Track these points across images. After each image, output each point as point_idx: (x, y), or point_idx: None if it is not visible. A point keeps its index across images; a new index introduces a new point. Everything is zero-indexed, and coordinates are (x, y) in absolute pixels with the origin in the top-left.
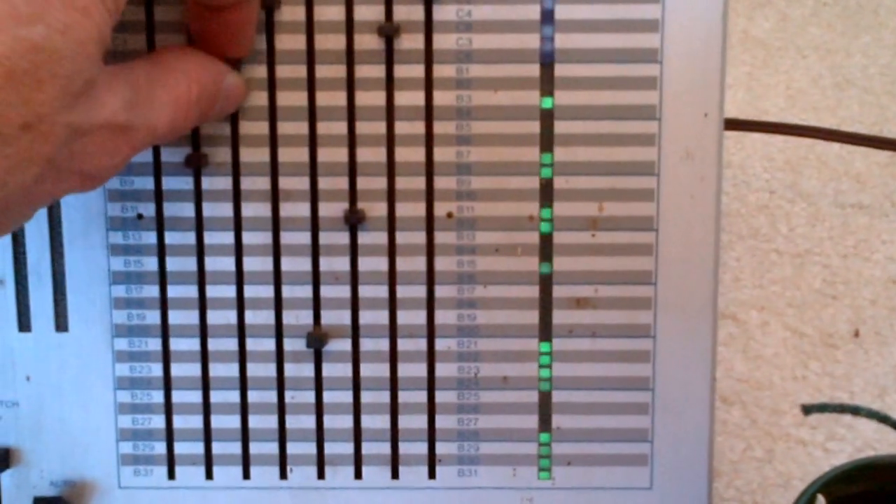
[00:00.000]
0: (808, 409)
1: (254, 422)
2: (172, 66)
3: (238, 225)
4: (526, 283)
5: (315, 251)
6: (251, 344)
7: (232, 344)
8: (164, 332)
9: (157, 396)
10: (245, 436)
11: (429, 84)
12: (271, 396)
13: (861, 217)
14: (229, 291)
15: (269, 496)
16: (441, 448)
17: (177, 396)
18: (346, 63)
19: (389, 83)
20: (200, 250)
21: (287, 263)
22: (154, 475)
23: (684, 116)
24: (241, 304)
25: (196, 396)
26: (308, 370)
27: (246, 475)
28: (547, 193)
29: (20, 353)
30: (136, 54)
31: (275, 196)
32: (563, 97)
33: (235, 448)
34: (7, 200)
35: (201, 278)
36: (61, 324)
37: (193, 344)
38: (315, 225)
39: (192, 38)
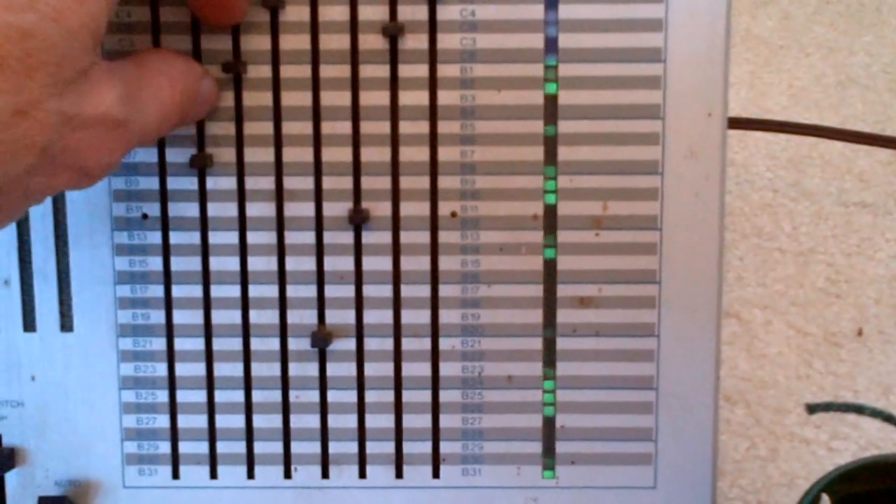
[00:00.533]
0: (812, 409)
1: (258, 421)
2: (157, 67)
3: (242, 225)
4: (530, 283)
5: (319, 251)
6: (256, 343)
7: (236, 343)
8: (169, 331)
9: (162, 396)
10: (249, 435)
11: (433, 84)
12: (276, 396)
13: (864, 215)
14: (234, 291)
15: (274, 495)
16: (445, 447)
17: (181, 396)
18: (351, 63)
19: (393, 83)
20: (205, 250)
21: (291, 263)
22: (158, 475)
23: (688, 115)
24: (245, 303)
25: (200, 396)
26: (312, 370)
27: (250, 475)
28: (551, 192)
29: (25, 353)
30: None
31: (279, 196)
32: (567, 97)
33: (240, 447)
34: (1, 190)
35: (206, 278)
36: (66, 324)
37: (198, 343)
38: (319, 224)
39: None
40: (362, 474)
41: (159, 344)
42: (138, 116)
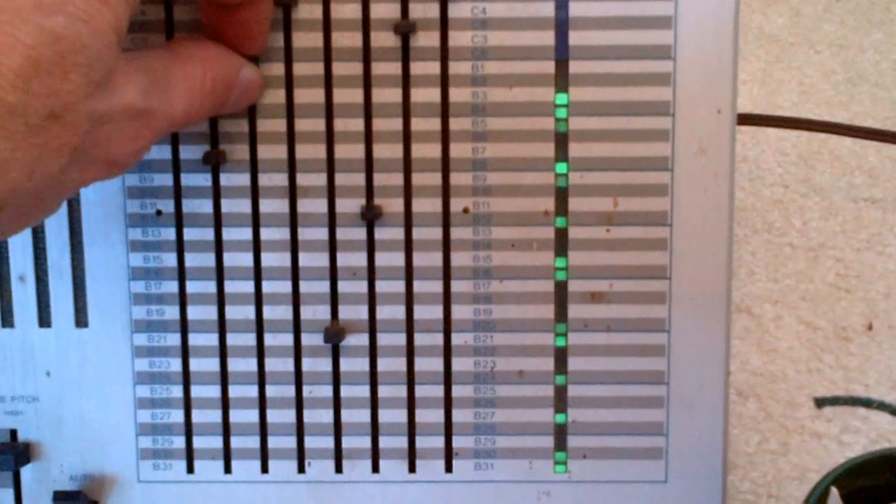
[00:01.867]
0: (820, 403)
1: (272, 416)
2: (188, 54)
3: (256, 221)
4: (541, 278)
5: (332, 247)
6: (269, 339)
7: (250, 339)
8: (183, 327)
9: (176, 391)
10: (263, 430)
11: (444, 81)
12: (289, 391)
13: (874, 211)
14: (247, 287)
15: (288, 490)
16: (458, 442)
17: (195, 391)
18: (363, 60)
19: (405, 80)
20: (219, 246)
21: (305, 259)
22: (173, 469)
23: (697, 112)
24: (259, 299)
25: (215, 391)
26: (326, 365)
27: (264, 469)
28: (562, 189)
29: (40, 349)
30: None
31: (292, 192)
32: (577, 93)
33: (254, 442)
34: (36, 190)
35: (220, 274)
36: (81, 319)
37: (212, 339)
38: (332, 221)
39: (206, 35)
40: (375, 469)
41: (173, 339)
42: (163, 104)
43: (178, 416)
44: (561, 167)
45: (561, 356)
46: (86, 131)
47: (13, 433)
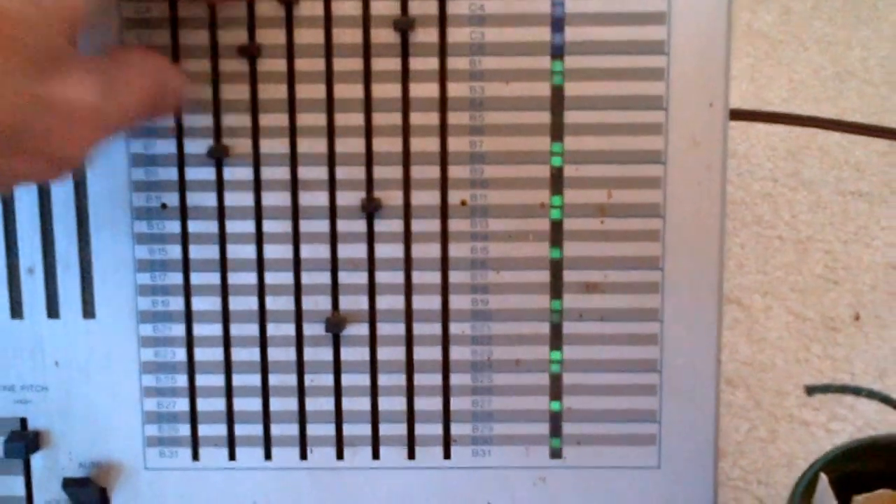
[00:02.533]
0: (811, 390)
1: (275, 404)
2: (130, 61)
3: (259, 214)
4: (537, 269)
5: (333, 239)
6: (272, 329)
7: (253, 329)
8: (188, 317)
9: (182, 380)
10: (266, 418)
11: (443, 76)
12: (291, 380)
13: (861, 204)
14: (250, 278)
15: (290, 476)
16: (456, 429)
17: (200, 380)
18: (363, 56)
19: (405, 75)
20: (222, 238)
21: (306, 251)
22: (179, 456)
23: (690, 106)
24: (261, 290)
25: (219, 380)
26: (327, 354)
27: (267, 456)
28: (557, 181)
29: (49, 340)
30: (162, 50)
31: (294, 185)
32: (572, 88)
33: (257, 430)
34: None
35: (223, 266)
36: (89, 310)
37: (216, 329)
38: (333, 213)
39: None
40: (376, 455)
41: (178, 330)
42: (114, 106)
43: (183, 404)
44: (556, 160)
45: (556, 345)
46: (24, 113)
47: (23, 422)
